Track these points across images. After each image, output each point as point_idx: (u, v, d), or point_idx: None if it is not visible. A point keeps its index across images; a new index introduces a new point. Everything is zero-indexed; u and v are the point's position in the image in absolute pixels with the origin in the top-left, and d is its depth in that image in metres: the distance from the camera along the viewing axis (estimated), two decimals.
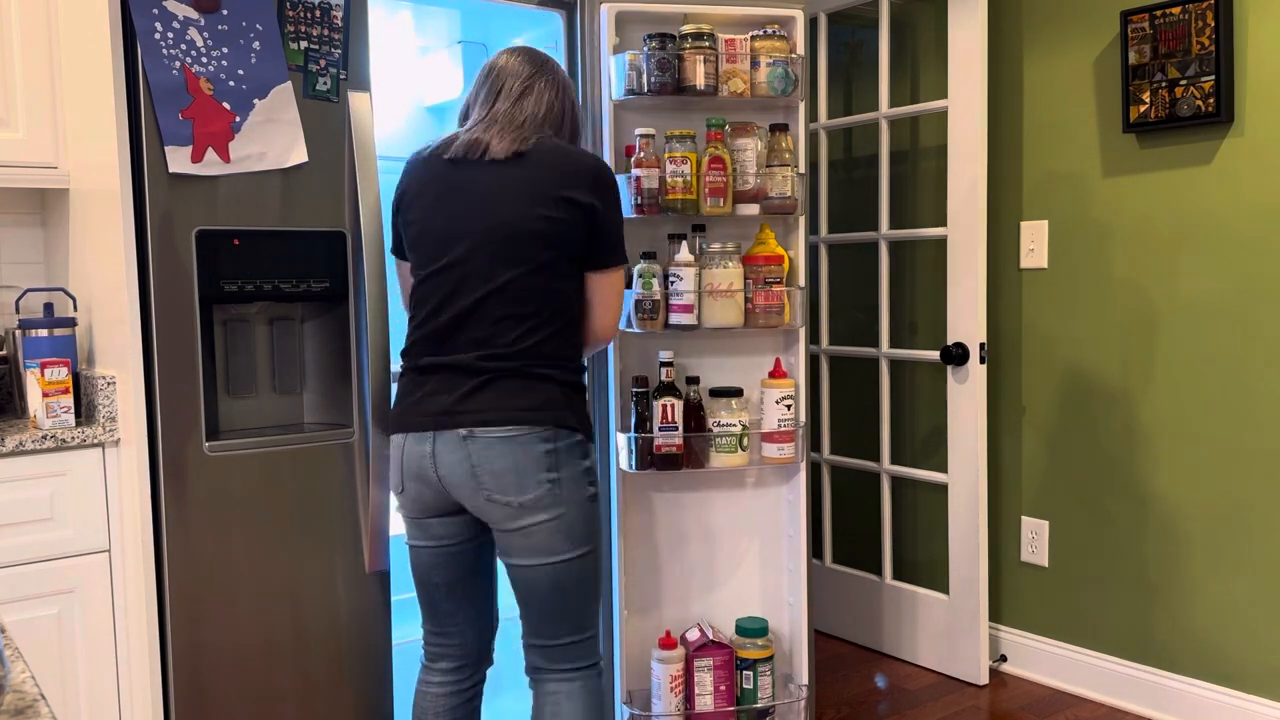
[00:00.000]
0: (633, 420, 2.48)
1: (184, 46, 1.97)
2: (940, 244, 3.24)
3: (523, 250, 1.92)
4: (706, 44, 2.43)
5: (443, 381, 1.95)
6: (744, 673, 2.57)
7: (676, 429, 2.47)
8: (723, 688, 2.55)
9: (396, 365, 2.27)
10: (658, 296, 2.43)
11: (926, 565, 3.36)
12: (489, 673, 2.20)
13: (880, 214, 3.36)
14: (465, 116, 2.10)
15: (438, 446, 1.93)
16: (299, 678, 2.16)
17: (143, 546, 2.00)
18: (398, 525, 2.40)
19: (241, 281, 2.06)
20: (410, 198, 2.03)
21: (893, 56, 3.37)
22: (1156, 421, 2.85)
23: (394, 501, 2.15)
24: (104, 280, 2.06)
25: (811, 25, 3.44)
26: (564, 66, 2.55)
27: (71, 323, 2.14)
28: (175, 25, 1.96)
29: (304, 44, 2.10)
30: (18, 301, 2.26)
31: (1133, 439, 2.90)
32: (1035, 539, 3.15)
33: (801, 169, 2.56)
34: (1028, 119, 3.11)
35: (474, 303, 1.93)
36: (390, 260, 2.22)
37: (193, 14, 1.98)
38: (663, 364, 2.49)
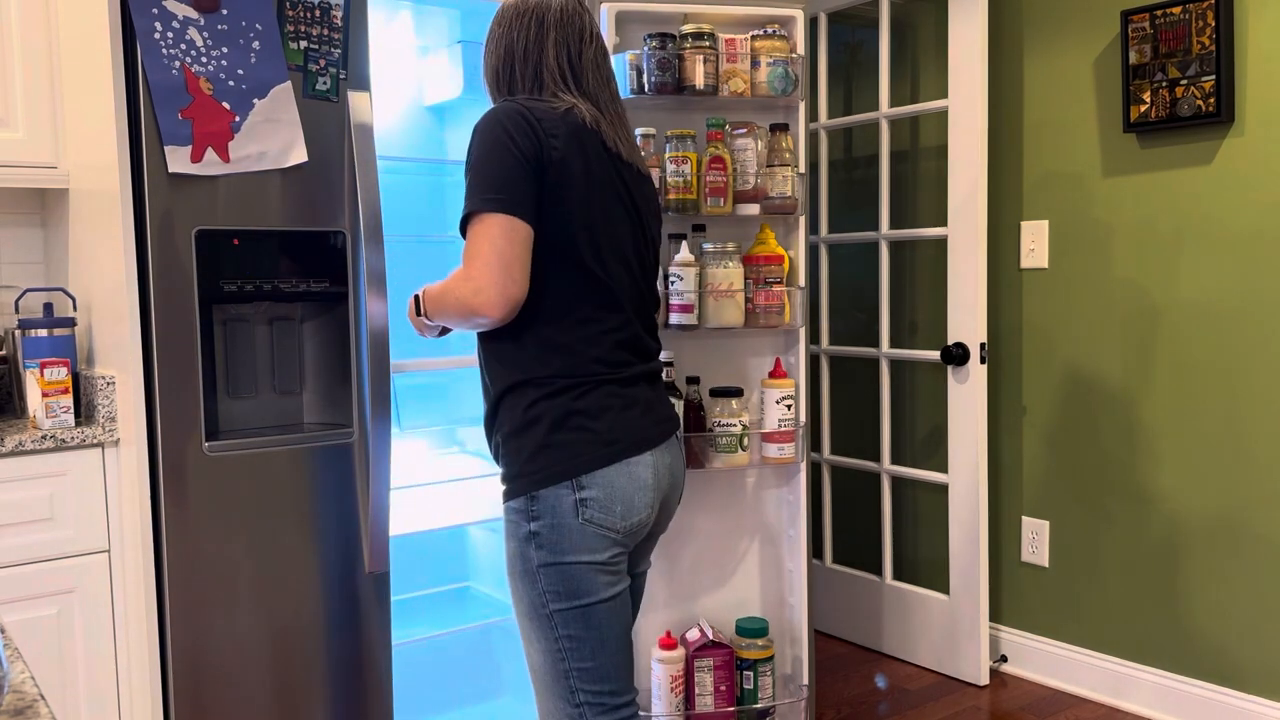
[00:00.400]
0: None
1: (184, 46, 1.97)
2: (940, 244, 3.24)
3: (655, 253, 1.88)
4: (707, 44, 2.43)
5: (649, 389, 1.79)
6: (744, 673, 2.57)
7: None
8: (723, 688, 2.55)
9: (396, 358, 2.27)
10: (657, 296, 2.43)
11: (926, 565, 3.36)
12: (490, 676, 2.16)
13: (880, 214, 3.36)
14: (518, 74, 1.77)
15: (671, 454, 1.79)
16: (299, 678, 2.16)
17: (143, 546, 2.00)
18: (398, 525, 2.40)
19: (241, 281, 2.06)
20: (576, 170, 1.68)
21: (893, 56, 3.37)
22: (1156, 421, 2.85)
23: (612, 548, 1.69)
24: (104, 280, 2.06)
25: (811, 25, 3.44)
26: None
27: (71, 323, 2.13)
28: (175, 25, 1.96)
29: (304, 44, 2.10)
30: (17, 301, 2.26)
31: (1133, 439, 2.90)
32: (1035, 539, 3.15)
33: (801, 169, 2.56)
34: (1028, 119, 3.11)
35: (647, 307, 1.84)
36: (389, 262, 2.20)
37: (192, 14, 1.97)
38: (663, 364, 2.48)
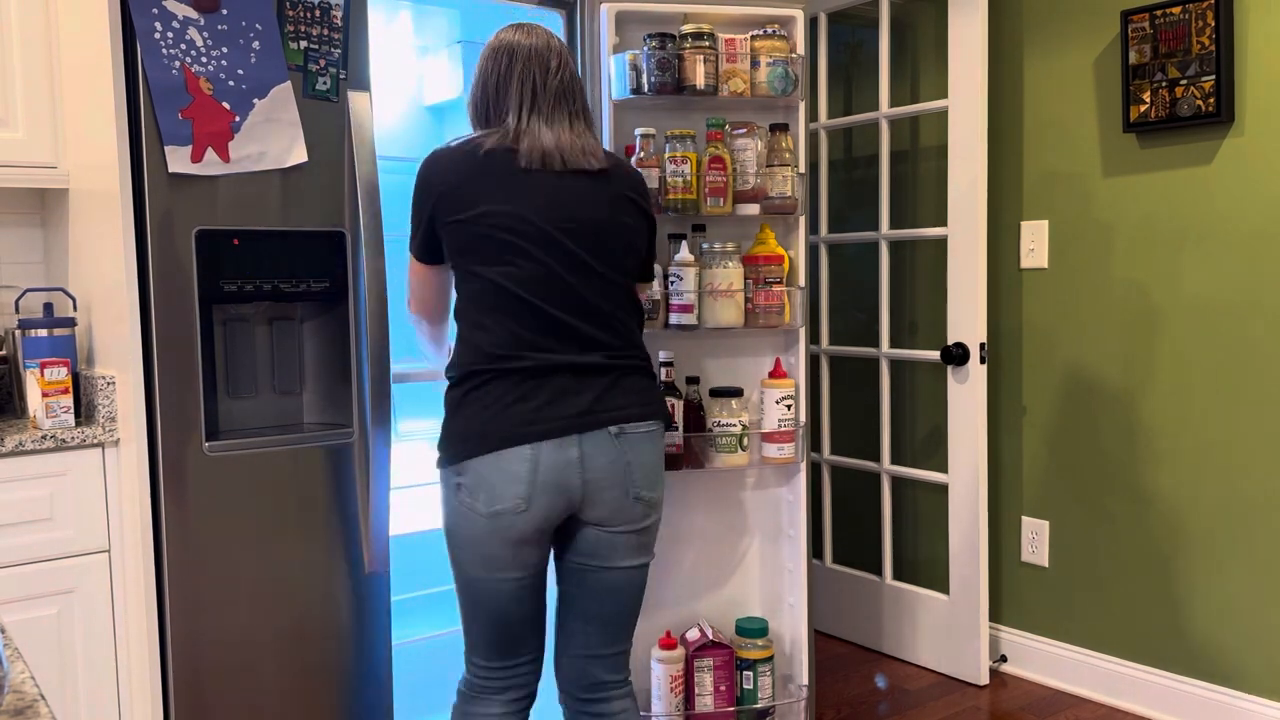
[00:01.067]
0: None
1: (184, 46, 1.97)
2: (940, 244, 3.24)
3: (611, 249, 1.91)
4: (706, 44, 2.43)
5: (571, 380, 1.85)
6: (744, 673, 2.57)
7: (676, 429, 2.47)
8: (723, 688, 2.55)
9: (399, 366, 2.27)
10: (658, 296, 2.44)
11: (926, 565, 3.36)
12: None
13: (880, 214, 3.36)
14: (490, 105, 1.95)
15: (586, 449, 1.83)
16: (299, 678, 2.16)
17: (143, 546, 2.00)
18: (398, 525, 2.40)
19: (241, 281, 2.06)
20: (465, 194, 1.86)
21: (893, 56, 3.37)
22: (1157, 421, 2.85)
23: (481, 532, 1.85)
24: (104, 280, 2.06)
25: (811, 25, 3.44)
26: None
27: (71, 323, 2.14)
28: (175, 25, 1.96)
29: (304, 44, 2.10)
30: (17, 301, 2.26)
31: (1133, 439, 2.90)
32: (1035, 539, 3.15)
33: (801, 169, 2.56)
34: (1028, 119, 3.11)
35: (579, 299, 1.87)
36: (389, 262, 2.21)
37: (192, 14, 1.97)
38: (663, 364, 2.49)
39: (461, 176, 1.87)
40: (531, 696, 2.03)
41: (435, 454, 1.92)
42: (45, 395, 2.01)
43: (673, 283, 2.44)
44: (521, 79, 1.91)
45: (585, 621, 1.98)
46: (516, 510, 1.82)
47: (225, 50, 2.01)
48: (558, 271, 1.85)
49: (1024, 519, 3.19)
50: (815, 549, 3.61)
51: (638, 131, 2.43)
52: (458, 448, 1.85)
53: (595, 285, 1.89)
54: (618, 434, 1.87)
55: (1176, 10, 2.68)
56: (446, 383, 1.93)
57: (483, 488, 1.82)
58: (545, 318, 1.85)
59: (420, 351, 2.21)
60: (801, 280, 2.60)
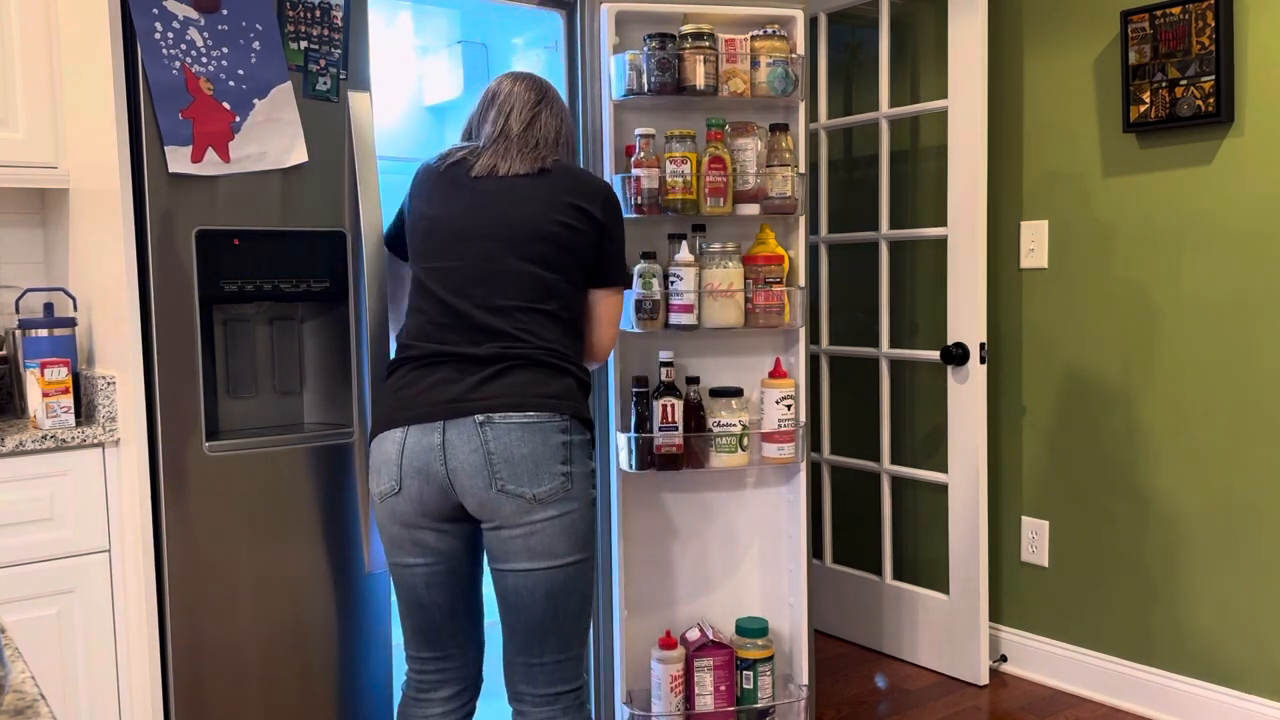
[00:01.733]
0: (633, 420, 2.48)
1: (184, 46, 1.97)
2: (940, 244, 3.24)
3: (539, 249, 1.96)
4: (706, 44, 2.43)
5: (454, 370, 1.90)
6: (744, 673, 2.57)
7: (676, 429, 2.47)
8: (723, 688, 2.55)
9: None
10: (658, 296, 2.44)
11: (926, 565, 3.36)
12: (490, 676, 2.18)
13: (880, 214, 3.36)
14: (469, 133, 2.13)
15: (449, 435, 1.85)
16: (299, 678, 2.16)
17: (143, 546, 2.00)
18: None
19: (241, 281, 2.06)
20: (421, 197, 2.04)
21: (893, 56, 3.37)
22: (1156, 421, 2.85)
23: (375, 514, 1.98)
24: (104, 280, 2.06)
25: (811, 25, 3.44)
26: (564, 67, 2.55)
27: (71, 323, 2.14)
28: (175, 25, 1.96)
29: (304, 44, 2.10)
30: (18, 301, 2.26)
31: (1133, 439, 2.90)
32: (1035, 539, 3.15)
33: (801, 169, 2.56)
34: (1028, 119, 3.11)
35: (487, 294, 1.93)
36: (389, 262, 2.22)
37: (193, 14, 1.97)
38: (663, 364, 2.49)
39: (419, 184, 2.06)
40: (470, 696, 2.05)
41: None
42: (45, 395, 2.01)
43: (673, 283, 2.44)
44: (499, 107, 2.07)
45: (504, 626, 1.96)
46: (392, 492, 1.91)
47: (225, 50, 2.01)
48: (469, 269, 1.95)
49: (1024, 519, 3.19)
50: (815, 549, 3.61)
51: (638, 132, 2.43)
52: (372, 428, 1.99)
53: (507, 281, 1.94)
54: (483, 422, 1.85)
55: (1176, 10, 2.68)
56: None
57: (372, 469, 1.96)
58: (450, 311, 1.94)
59: None
60: (801, 280, 2.60)
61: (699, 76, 2.43)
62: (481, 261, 1.94)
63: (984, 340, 3.06)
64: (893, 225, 3.38)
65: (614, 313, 2.12)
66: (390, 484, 1.90)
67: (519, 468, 1.85)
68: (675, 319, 2.45)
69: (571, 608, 1.92)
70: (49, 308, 2.18)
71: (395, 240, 2.18)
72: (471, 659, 2.05)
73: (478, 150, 2.04)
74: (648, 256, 2.44)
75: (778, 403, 2.54)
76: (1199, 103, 2.66)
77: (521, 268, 1.94)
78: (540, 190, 1.98)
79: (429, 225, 1.99)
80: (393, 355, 2.05)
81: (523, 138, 2.04)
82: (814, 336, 3.54)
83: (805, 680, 2.68)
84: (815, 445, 3.58)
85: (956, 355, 3.09)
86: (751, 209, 2.51)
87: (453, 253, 1.96)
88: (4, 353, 2.33)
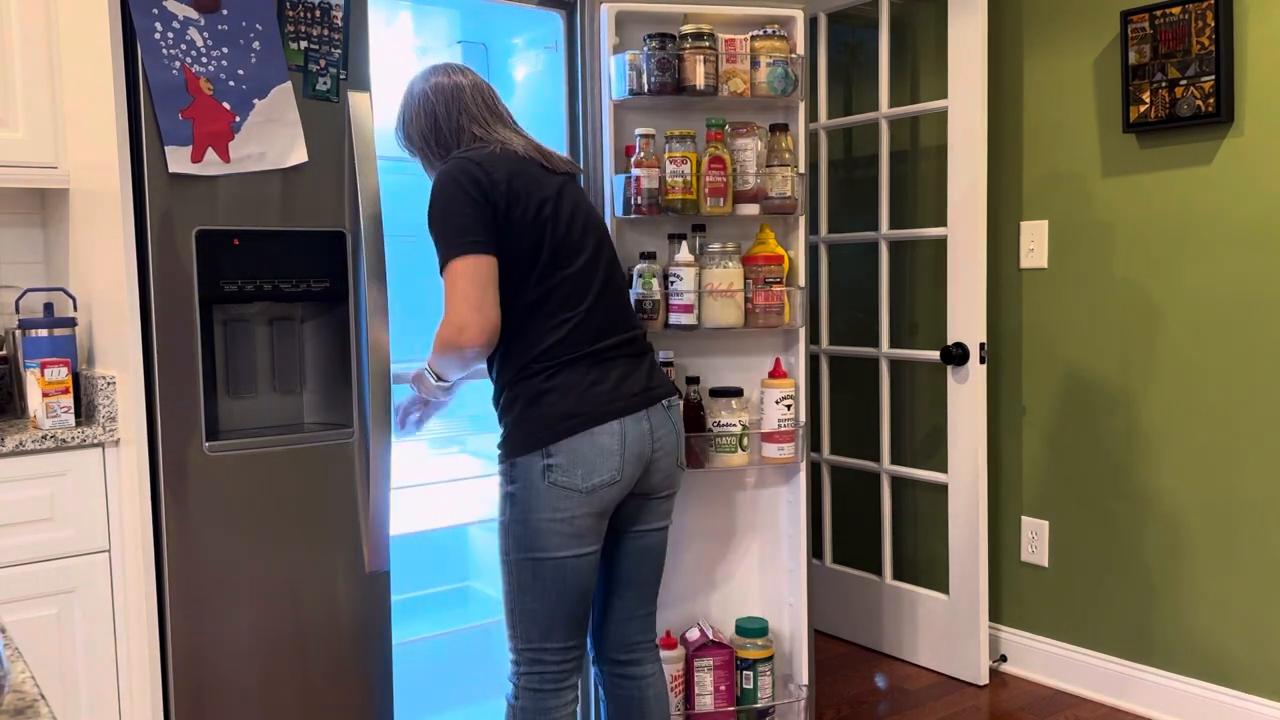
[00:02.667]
0: None
1: (184, 46, 1.97)
2: (940, 244, 3.24)
3: (608, 250, 2.11)
4: (706, 44, 2.43)
5: (629, 364, 2.04)
6: (744, 673, 2.57)
7: None
8: (723, 688, 2.55)
9: (398, 365, 2.27)
10: (657, 296, 2.44)
11: (926, 565, 3.36)
12: (490, 676, 2.20)
13: (880, 214, 3.36)
14: (449, 132, 2.09)
15: (654, 421, 2.02)
16: (299, 678, 2.16)
17: (143, 546, 2.00)
18: (398, 525, 2.40)
19: (241, 281, 2.06)
20: (523, 191, 1.97)
21: (893, 56, 3.37)
22: (1156, 421, 2.85)
23: (576, 508, 1.94)
24: (104, 280, 2.06)
25: (811, 25, 3.44)
26: (564, 67, 2.55)
27: (71, 323, 2.14)
28: (175, 25, 1.96)
29: (304, 44, 2.10)
30: (18, 301, 2.26)
31: (1133, 439, 2.90)
32: (1035, 539, 3.15)
33: (801, 169, 2.56)
34: (1028, 119, 3.11)
35: (615, 293, 2.08)
36: (389, 262, 2.21)
37: (193, 14, 1.97)
38: (663, 364, 2.49)
39: (512, 172, 1.98)
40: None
41: (501, 448, 2.02)
42: (45, 395, 2.01)
43: (673, 283, 2.44)
44: (473, 100, 2.09)
45: (625, 587, 2.13)
46: (612, 481, 1.97)
47: (225, 50, 2.01)
48: (600, 266, 2.05)
49: (1024, 519, 3.19)
50: (815, 549, 3.61)
51: (637, 132, 2.43)
52: (543, 432, 1.95)
53: (615, 275, 2.09)
54: (668, 407, 2.07)
55: (1176, 10, 2.68)
56: (503, 379, 2.03)
57: (580, 464, 1.94)
58: (599, 309, 2.02)
59: (418, 355, 2.22)
60: (801, 280, 2.60)
61: (699, 76, 2.43)
62: (598, 261, 2.06)
63: (984, 340, 3.06)
64: (893, 225, 3.38)
65: None
66: (612, 474, 1.97)
67: (681, 444, 2.12)
68: (675, 319, 2.45)
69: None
70: (49, 308, 2.18)
71: (489, 243, 1.94)
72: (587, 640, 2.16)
73: (517, 140, 2.06)
74: (647, 256, 2.44)
75: (778, 403, 2.54)
76: (1199, 103, 2.66)
77: (616, 268, 2.11)
78: (581, 187, 2.16)
79: (553, 226, 2.00)
80: (522, 363, 1.98)
81: (526, 136, 2.12)
82: (814, 336, 3.54)
83: (805, 680, 2.68)
84: (815, 445, 3.58)
85: (956, 355, 3.09)
86: (751, 209, 2.51)
87: (579, 253, 2.03)
88: (4, 353, 2.33)
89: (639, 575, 2.14)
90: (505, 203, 1.95)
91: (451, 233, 1.93)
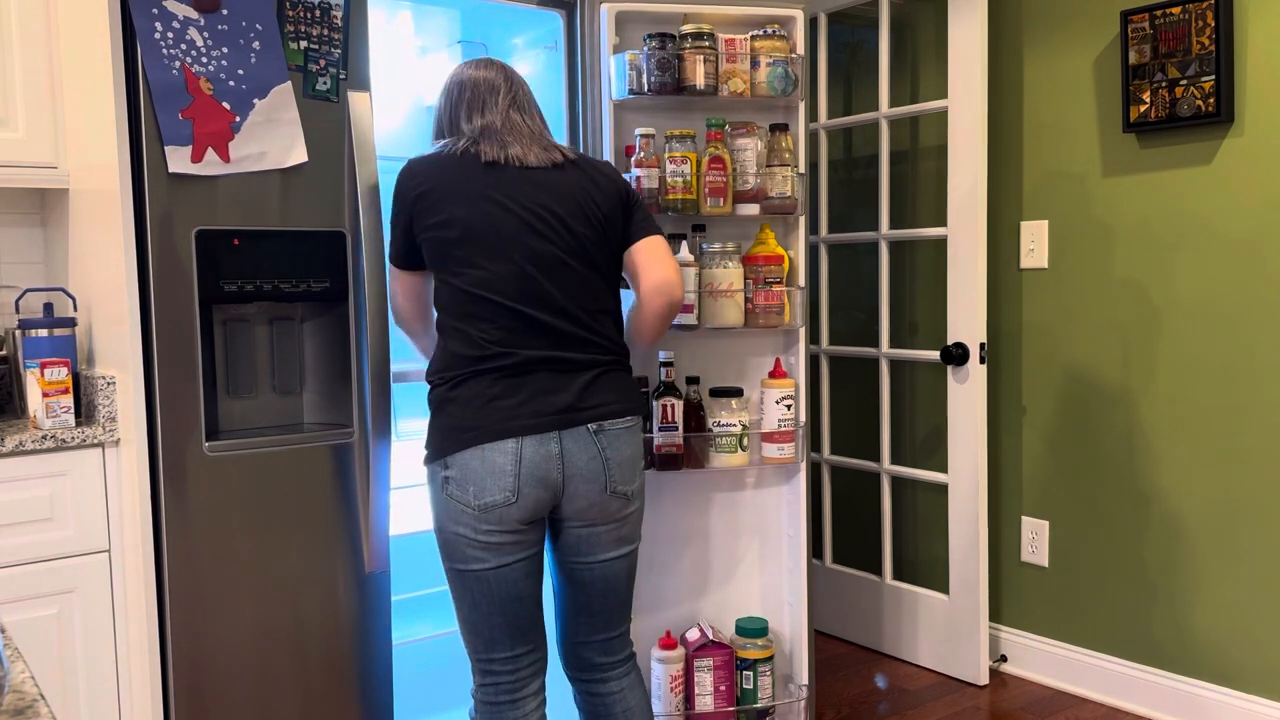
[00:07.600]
0: None
1: (184, 46, 1.97)
2: (940, 244, 3.24)
3: (585, 246, 1.97)
4: (706, 44, 2.43)
5: (552, 380, 1.90)
6: (744, 673, 2.57)
7: (676, 429, 2.47)
8: (723, 688, 2.55)
9: (398, 365, 2.27)
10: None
11: (926, 565, 3.36)
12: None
13: (880, 214, 3.36)
14: (446, 131, 2.07)
15: (566, 445, 1.89)
16: (299, 678, 2.16)
17: (143, 546, 2.00)
18: (398, 525, 2.41)
19: (241, 281, 2.06)
20: (438, 199, 1.93)
21: (893, 56, 3.37)
22: (1156, 421, 2.85)
23: (474, 523, 1.89)
24: (104, 280, 2.06)
25: (811, 25, 3.44)
26: (564, 67, 2.55)
27: (71, 323, 2.14)
28: (175, 25, 1.96)
29: (304, 44, 2.10)
30: (18, 301, 2.26)
31: (1133, 439, 2.90)
32: (1035, 539, 3.15)
33: (801, 169, 2.56)
34: (1028, 119, 3.11)
35: (558, 296, 1.92)
36: (389, 262, 2.21)
37: (193, 14, 1.97)
38: (663, 364, 2.49)
39: (433, 181, 1.95)
40: (541, 680, 2.08)
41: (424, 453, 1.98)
42: (45, 395, 2.01)
43: None
44: (475, 94, 2.04)
45: (576, 612, 2.06)
46: (506, 503, 1.88)
47: (225, 50, 2.01)
48: (529, 271, 1.91)
49: (1024, 519, 3.19)
50: (815, 549, 3.61)
51: (637, 131, 2.43)
52: (444, 442, 1.91)
53: (570, 283, 1.94)
54: (596, 430, 1.93)
55: (1176, 10, 2.68)
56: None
57: (471, 480, 1.88)
58: (518, 316, 1.90)
59: (418, 357, 2.22)
60: (801, 280, 2.60)
61: (699, 76, 2.43)
62: (538, 262, 1.92)
63: (984, 340, 3.06)
64: (893, 225, 3.38)
65: (663, 248, 2.04)
66: (503, 495, 1.87)
67: (625, 469, 1.97)
68: (675, 319, 2.45)
69: (633, 580, 2.11)
70: (49, 308, 2.18)
71: (409, 257, 2.01)
72: (545, 645, 2.07)
73: (474, 134, 1.99)
74: None
75: (778, 403, 2.54)
76: (1199, 103, 2.66)
77: (578, 267, 1.95)
78: (566, 183, 1.98)
79: (463, 227, 1.91)
80: (438, 368, 1.96)
81: (518, 125, 2.01)
82: (814, 336, 3.54)
83: (805, 680, 2.68)
84: (815, 445, 3.58)
85: (956, 355, 3.09)
86: (751, 209, 2.51)
87: (499, 256, 1.90)
88: (4, 353, 2.33)
89: (590, 605, 2.04)
90: (409, 216, 1.97)
91: (390, 233, 2.06)
